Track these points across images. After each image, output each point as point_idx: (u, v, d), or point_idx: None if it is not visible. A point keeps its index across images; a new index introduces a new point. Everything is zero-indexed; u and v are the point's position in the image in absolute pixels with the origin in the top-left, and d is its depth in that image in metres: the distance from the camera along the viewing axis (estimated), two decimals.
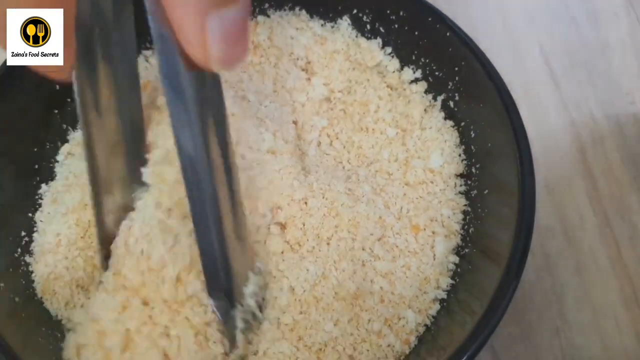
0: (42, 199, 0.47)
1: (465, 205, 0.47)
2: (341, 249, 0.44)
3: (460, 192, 0.48)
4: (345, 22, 0.52)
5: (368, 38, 0.52)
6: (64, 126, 0.49)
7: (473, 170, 0.48)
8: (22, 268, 0.44)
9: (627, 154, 0.58)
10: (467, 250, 0.46)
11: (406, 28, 0.49)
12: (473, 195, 0.47)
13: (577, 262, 0.53)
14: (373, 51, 0.51)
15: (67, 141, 0.49)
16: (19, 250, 0.45)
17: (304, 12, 0.52)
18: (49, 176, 0.48)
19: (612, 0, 0.66)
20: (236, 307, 0.41)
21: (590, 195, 0.56)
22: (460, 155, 0.49)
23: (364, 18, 0.51)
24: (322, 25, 0.52)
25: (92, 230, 0.45)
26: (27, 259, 0.45)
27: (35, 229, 0.46)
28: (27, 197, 0.47)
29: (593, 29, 0.65)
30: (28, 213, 0.46)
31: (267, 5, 0.52)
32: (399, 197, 0.48)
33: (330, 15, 0.52)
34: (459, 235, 0.47)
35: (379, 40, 0.51)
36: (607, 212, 0.55)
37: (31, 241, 0.46)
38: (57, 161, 0.49)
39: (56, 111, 0.48)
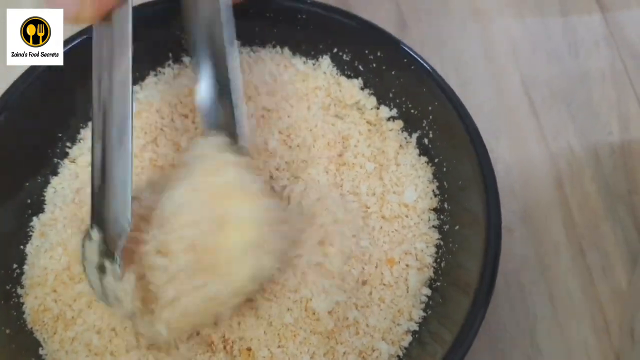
0: (32, 231, 0.49)
1: (438, 239, 0.49)
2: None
3: (433, 226, 0.50)
4: (326, 60, 0.54)
5: (348, 77, 0.54)
6: (55, 160, 0.51)
7: (446, 205, 0.49)
8: (13, 300, 0.46)
9: (603, 184, 0.59)
10: (438, 283, 0.48)
11: (383, 67, 0.51)
12: (446, 229, 0.49)
13: (550, 292, 0.55)
14: (352, 89, 0.53)
15: (57, 174, 0.51)
16: (11, 283, 0.47)
17: (286, 49, 0.54)
18: (39, 209, 0.50)
19: (594, 30, 0.68)
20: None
21: (566, 225, 0.58)
22: (433, 190, 0.50)
23: (344, 57, 0.53)
24: (304, 62, 0.54)
25: (74, 265, 0.47)
26: (19, 290, 0.47)
27: (25, 261, 0.48)
28: (19, 229, 0.49)
29: (574, 59, 0.66)
30: (20, 245, 0.48)
31: (251, 42, 0.54)
32: (376, 230, 0.49)
33: (312, 53, 0.54)
34: (432, 268, 0.49)
35: (360, 79, 0.54)
36: (582, 242, 0.57)
37: (22, 273, 0.48)
38: (45, 195, 0.50)
39: (49, 150, 0.51)
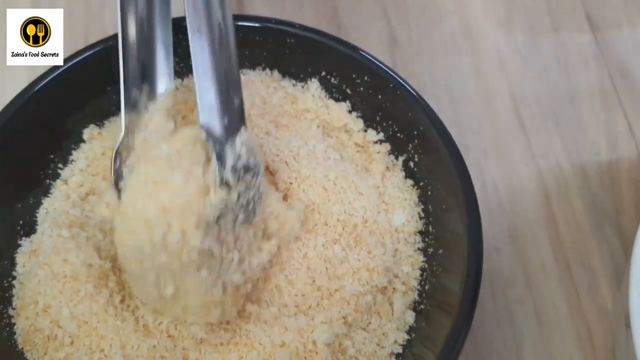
0: (24, 252, 0.49)
1: (423, 261, 0.50)
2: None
3: (419, 249, 0.50)
4: (314, 83, 0.55)
5: (336, 100, 0.55)
6: (47, 181, 0.52)
7: (430, 228, 0.50)
8: (4, 320, 0.47)
9: (590, 203, 0.60)
10: (422, 306, 0.48)
11: (370, 92, 0.52)
12: (430, 252, 0.50)
13: (537, 309, 0.55)
14: (340, 112, 0.54)
15: (48, 195, 0.52)
16: (2, 304, 0.47)
17: (276, 72, 0.55)
18: (31, 230, 0.51)
19: (584, 49, 0.68)
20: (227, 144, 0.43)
21: (553, 242, 0.58)
22: (419, 213, 0.51)
23: (332, 80, 0.54)
24: (293, 85, 0.55)
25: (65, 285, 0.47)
26: (10, 311, 0.48)
27: (16, 281, 0.49)
28: (10, 250, 0.49)
29: (563, 77, 0.67)
30: (11, 266, 0.49)
31: (241, 65, 0.54)
32: (364, 252, 0.50)
33: (301, 76, 0.55)
34: (416, 291, 0.49)
35: (347, 103, 0.55)
36: (569, 259, 0.58)
37: (13, 294, 0.48)
38: (37, 216, 0.51)
39: (40, 171, 0.52)
